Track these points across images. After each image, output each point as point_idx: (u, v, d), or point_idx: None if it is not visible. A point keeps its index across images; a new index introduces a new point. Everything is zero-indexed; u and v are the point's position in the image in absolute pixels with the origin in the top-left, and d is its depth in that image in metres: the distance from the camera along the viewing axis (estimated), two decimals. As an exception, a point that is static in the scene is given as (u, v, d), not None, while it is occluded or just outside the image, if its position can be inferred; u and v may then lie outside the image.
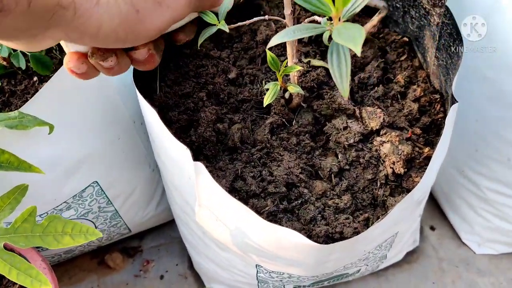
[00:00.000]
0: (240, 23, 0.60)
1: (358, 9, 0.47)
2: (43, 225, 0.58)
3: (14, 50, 0.72)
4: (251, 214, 0.54)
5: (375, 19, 0.83)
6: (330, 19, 0.51)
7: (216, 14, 0.58)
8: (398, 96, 0.78)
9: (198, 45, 0.60)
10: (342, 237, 0.61)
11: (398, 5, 0.82)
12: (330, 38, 0.49)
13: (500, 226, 0.91)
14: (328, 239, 0.61)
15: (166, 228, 1.05)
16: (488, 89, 0.78)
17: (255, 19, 0.61)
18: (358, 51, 0.41)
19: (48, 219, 0.58)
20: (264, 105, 0.68)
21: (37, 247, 0.83)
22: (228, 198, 0.55)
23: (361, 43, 0.41)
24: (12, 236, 0.56)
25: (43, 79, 0.78)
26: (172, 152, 0.65)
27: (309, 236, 0.62)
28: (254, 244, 0.62)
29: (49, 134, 0.63)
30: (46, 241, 0.57)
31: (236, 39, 0.88)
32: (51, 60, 0.76)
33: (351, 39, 0.41)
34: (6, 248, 0.63)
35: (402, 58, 0.84)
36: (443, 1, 0.68)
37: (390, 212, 0.55)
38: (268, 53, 0.65)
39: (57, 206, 0.76)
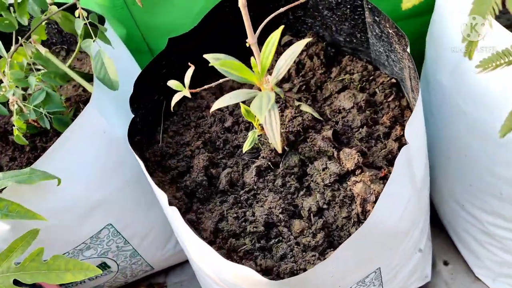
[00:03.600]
0: (206, 86, 0.68)
1: (280, 77, 0.54)
2: (48, 263, 0.68)
3: (40, 113, 0.85)
4: (212, 252, 0.61)
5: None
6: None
7: (182, 82, 0.67)
8: (382, 136, 0.82)
9: (172, 109, 0.69)
10: (305, 273, 0.66)
11: (381, 50, 0.86)
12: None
13: (506, 259, 0.89)
14: (292, 275, 0.66)
15: (189, 265, 1.13)
16: (471, 126, 0.80)
17: (220, 81, 0.69)
18: (261, 119, 0.48)
19: (53, 258, 0.68)
20: (244, 151, 0.75)
21: (67, 284, 0.95)
22: (192, 236, 0.63)
23: (265, 112, 0.48)
24: (20, 274, 0.66)
25: (68, 136, 0.91)
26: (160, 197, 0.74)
27: (278, 273, 0.67)
28: (230, 280, 0.68)
29: (57, 185, 0.74)
30: (49, 278, 0.67)
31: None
32: (71, 120, 0.88)
33: (258, 108, 0.48)
34: (36, 285, 0.74)
35: (390, 98, 0.88)
36: (406, 46, 0.72)
37: (337, 250, 0.59)
38: (242, 106, 0.73)
39: (77, 246, 0.86)
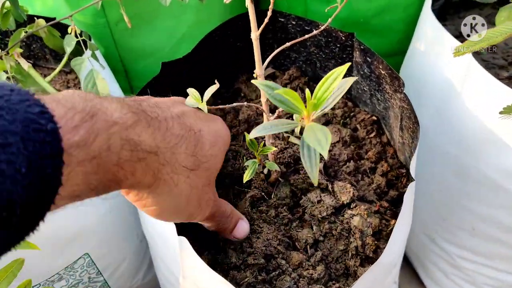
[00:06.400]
0: (221, 106, 0.68)
1: (326, 110, 0.55)
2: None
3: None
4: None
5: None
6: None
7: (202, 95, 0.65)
8: (368, 171, 0.85)
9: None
10: (314, 306, 0.66)
11: (365, 89, 0.91)
12: (301, 130, 0.57)
13: (471, 291, 0.96)
14: (302, 308, 0.66)
15: (154, 297, 1.08)
16: (449, 163, 0.85)
17: (235, 104, 0.68)
18: (325, 154, 0.48)
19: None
20: (244, 182, 0.74)
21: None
22: (209, 272, 0.61)
23: (328, 147, 0.48)
24: (8, 308, 0.60)
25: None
26: (158, 225, 0.71)
27: (285, 305, 0.66)
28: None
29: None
30: (40, 313, 0.61)
31: (221, 118, 0.96)
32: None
33: (318, 142, 0.48)
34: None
35: (371, 135, 0.92)
36: (402, 88, 0.76)
37: (355, 283, 0.60)
38: (247, 136, 0.73)
39: (49, 277, 0.80)
